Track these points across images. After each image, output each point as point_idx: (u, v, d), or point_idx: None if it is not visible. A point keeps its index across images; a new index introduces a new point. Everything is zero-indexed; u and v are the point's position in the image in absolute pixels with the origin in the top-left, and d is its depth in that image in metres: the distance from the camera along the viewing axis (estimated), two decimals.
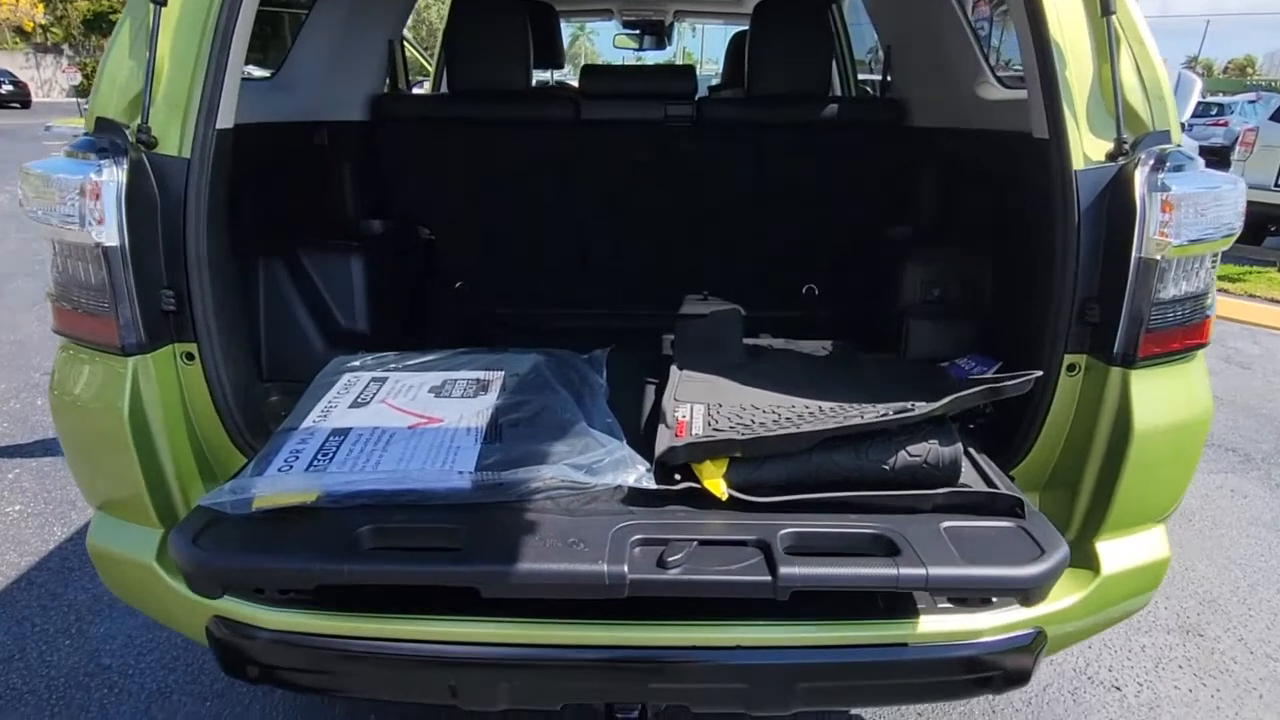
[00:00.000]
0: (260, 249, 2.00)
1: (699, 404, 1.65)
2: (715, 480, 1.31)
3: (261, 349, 2.00)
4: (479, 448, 1.43)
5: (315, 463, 1.37)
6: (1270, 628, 2.55)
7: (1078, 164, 1.47)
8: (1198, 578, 2.81)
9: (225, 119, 1.54)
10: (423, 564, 1.17)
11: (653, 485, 1.29)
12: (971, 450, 1.45)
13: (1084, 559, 1.53)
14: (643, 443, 1.50)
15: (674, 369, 1.88)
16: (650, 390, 1.84)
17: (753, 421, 1.51)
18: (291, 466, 1.35)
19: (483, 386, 1.74)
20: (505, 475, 1.31)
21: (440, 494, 1.30)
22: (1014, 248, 1.83)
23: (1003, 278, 1.96)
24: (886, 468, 1.32)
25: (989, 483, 1.36)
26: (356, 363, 1.89)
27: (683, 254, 2.83)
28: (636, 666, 1.34)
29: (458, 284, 2.83)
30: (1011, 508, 1.30)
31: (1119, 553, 1.52)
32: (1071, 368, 1.52)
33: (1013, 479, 1.63)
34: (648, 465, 1.34)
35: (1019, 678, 1.43)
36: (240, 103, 1.59)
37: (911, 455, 1.32)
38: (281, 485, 1.30)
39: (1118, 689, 2.26)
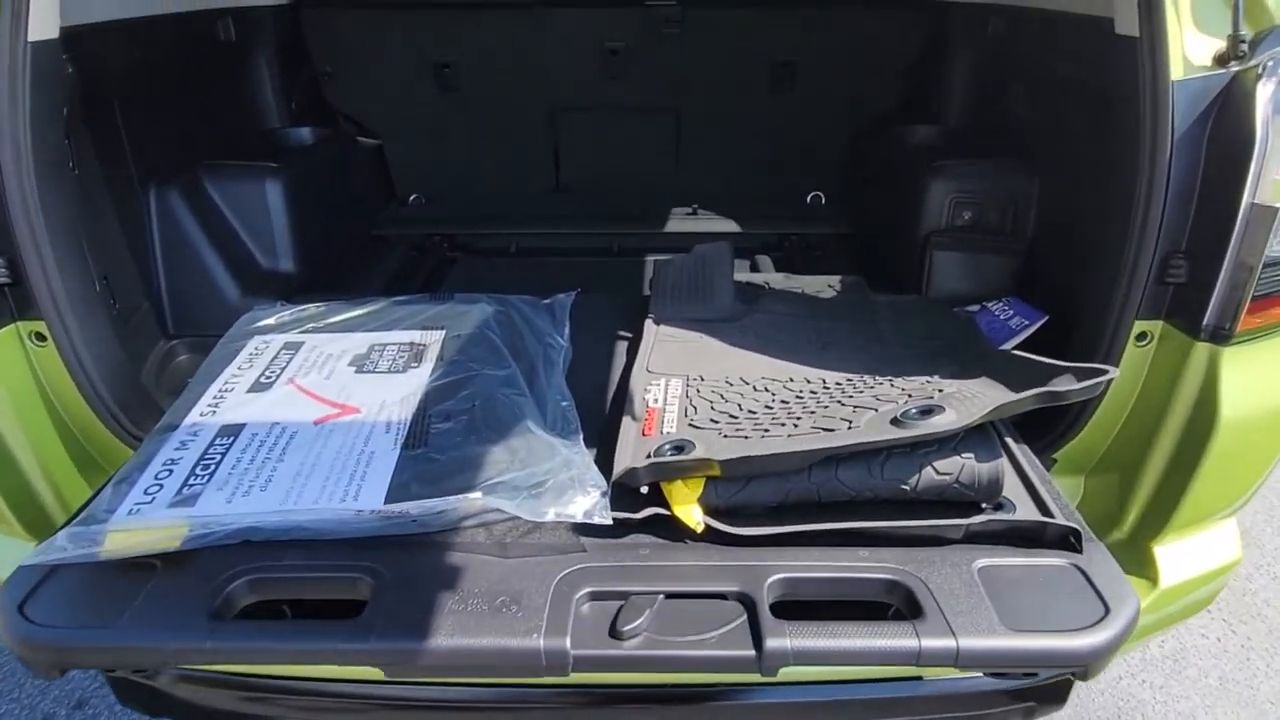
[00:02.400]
0: (149, 180, 1.64)
1: (675, 377, 1.35)
2: (688, 506, 1.03)
3: (163, 300, 1.68)
4: (396, 456, 1.14)
5: (189, 483, 1.10)
6: None
7: (1176, 72, 1.09)
8: None
9: (44, 25, 1.16)
10: (307, 639, 0.92)
11: (607, 520, 1.01)
12: (1014, 449, 1.15)
13: (1138, 564, 1.28)
14: (603, 435, 1.22)
15: (649, 323, 1.56)
16: (621, 350, 1.53)
17: (739, 409, 1.21)
18: (154, 496, 1.07)
19: (416, 355, 1.43)
20: (423, 507, 1.03)
21: (341, 532, 1.03)
22: (1075, 172, 1.47)
23: (1055, 207, 1.60)
24: (906, 488, 1.04)
25: (1038, 501, 1.08)
26: (270, 319, 1.58)
27: (668, 158, 2.44)
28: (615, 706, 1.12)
29: (411, 197, 2.47)
30: (1065, 538, 1.02)
31: (1182, 559, 1.27)
32: (1142, 336, 1.21)
33: (1054, 463, 1.36)
34: (604, 488, 1.06)
35: (1057, 698, 1.23)
36: None
37: (940, 473, 1.03)
38: (139, 523, 1.02)
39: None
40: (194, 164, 1.75)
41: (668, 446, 1.10)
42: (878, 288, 1.76)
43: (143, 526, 1.02)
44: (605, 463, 1.14)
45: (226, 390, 1.33)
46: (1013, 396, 1.02)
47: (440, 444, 1.17)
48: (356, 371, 1.38)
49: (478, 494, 1.06)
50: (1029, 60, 1.71)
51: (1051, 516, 1.04)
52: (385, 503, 1.06)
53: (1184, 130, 1.08)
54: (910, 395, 1.17)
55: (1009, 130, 1.82)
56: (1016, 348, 1.48)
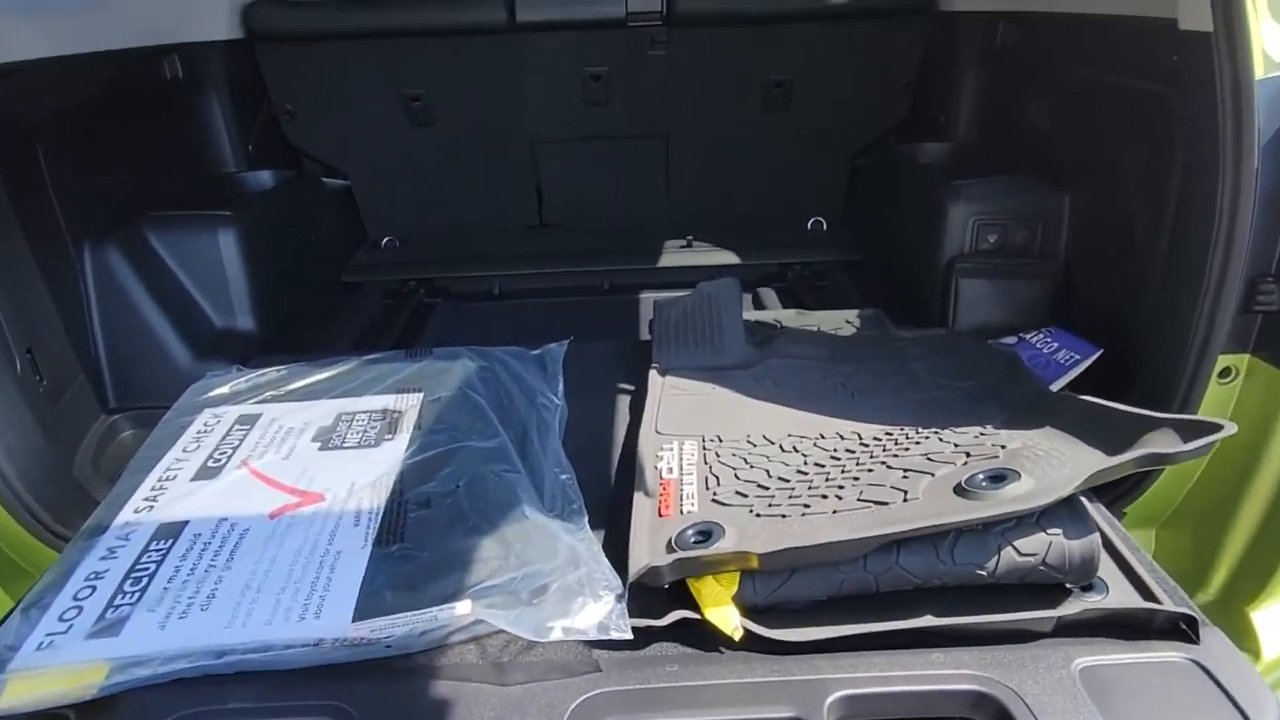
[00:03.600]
0: (83, 236, 1.46)
1: (689, 438, 1.18)
2: (722, 608, 0.85)
3: (102, 369, 1.49)
4: (367, 556, 0.96)
5: (115, 604, 0.90)
6: None
7: (1260, 70, 0.95)
8: None
9: None
10: None
11: (626, 634, 0.83)
12: (1104, 523, 0.98)
13: (1233, 633, 1.11)
14: (611, 512, 1.04)
15: (653, 374, 1.39)
16: (623, 406, 1.36)
17: (769, 477, 1.04)
18: (71, 623, 0.88)
19: (389, 425, 1.25)
20: (400, 628, 0.84)
21: (300, 661, 0.84)
22: (1120, 186, 1.32)
23: (1095, 224, 1.45)
24: (983, 573, 0.86)
25: (1135, 580, 0.91)
26: (224, 387, 1.39)
27: (658, 187, 2.28)
28: None
29: (384, 240, 2.29)
30: (1176, 625, 0.85)
31: None
32: (1226, 372, 1.05)
33: (1123, 515, 1.19)
34: (619, 589, 0.88)
35: None
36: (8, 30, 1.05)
37: (1022, 554, 0.86)
38: (49, 661, 0.83)
39: None
40: (137, 216, 1.57)
41: (692, 533, 0.92)
42: (898, 320, 1.60)
43: (53, 668, 0.82)
44: (617, 550, 0.96)
45: (168, 478, 1.13)
46: (1107, 461, 0.85)
47: (419, 537, 0.99)
48: (321, 448, 1.20)
49: (466, 604, 0.87)
50: (1052, 69, 1.57)
51: (1156, 600, 0.87)
52: (354, 620, 0.87)
53: (1271, 136, 0.94)
54: (968, 454, 1.00)
55: (1028, 144, 1.68)
56: (1067, 386, 1.32)
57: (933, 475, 0.95)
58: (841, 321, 1.60)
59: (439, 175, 2.22)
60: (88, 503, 1.18)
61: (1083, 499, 0.90)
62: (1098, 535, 0.87)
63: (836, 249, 2.18)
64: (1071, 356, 1.33)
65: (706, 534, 0.92)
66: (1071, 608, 0.85)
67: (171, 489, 1.11)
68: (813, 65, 2.07)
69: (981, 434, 1.08)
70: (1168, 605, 0.85)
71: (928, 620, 0.85)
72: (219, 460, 1.17)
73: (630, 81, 2.08)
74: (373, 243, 2.29)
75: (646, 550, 0.92)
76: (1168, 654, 0.83)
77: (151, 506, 1.07)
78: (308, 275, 1.94)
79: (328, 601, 0.89)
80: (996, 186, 1.62)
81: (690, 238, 2.21)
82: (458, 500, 1.04)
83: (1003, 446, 1.01)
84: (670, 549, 0.90)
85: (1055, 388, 1.30)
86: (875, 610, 0.88)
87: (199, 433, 1.24)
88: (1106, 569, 0.92)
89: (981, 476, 0.90)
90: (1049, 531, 0.86)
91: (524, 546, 0.95)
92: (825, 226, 2.29)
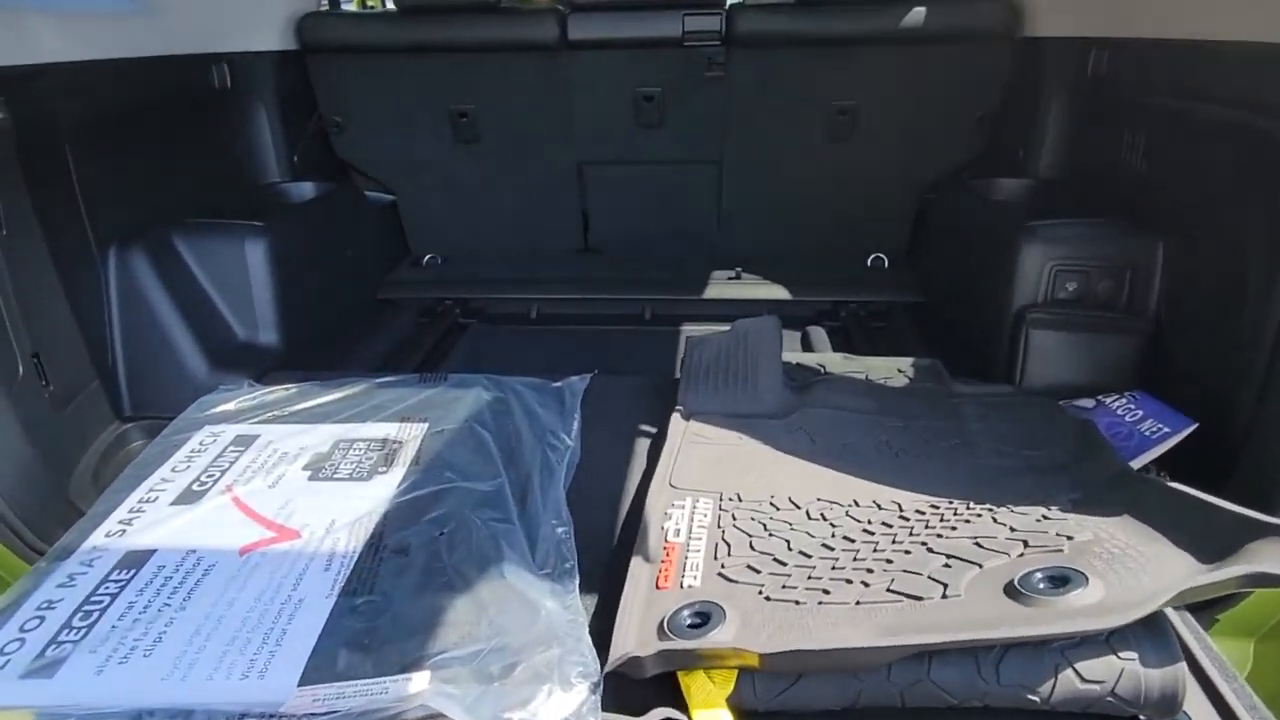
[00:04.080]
0: (110, 240, 1.44)
1: (706, 495, 1.05)
2: (714, 712, 0.72)
3: (118, 376, 1.46)
4: (330, 606, 0.87)
5: (59, 640, 0.83)
6: None
7: None
8: None
9: None
10: None
11: None
12: (1189, 636, 0.81)
13: None
14: (608, 576, 0.92)
15: (676, 419, 1.27)
16: (641, 451, 1.24)
17: (788, 550, 0.91)
18: (10, 659, 0.81)
19: (386, 457, 1.17)
20: (344, 700, 0.74)
21: None
22: (1234, 237, 1.14)
23: (1196, 278, 1.27)
24: (1035, 698, 0.71)
25: (1226, 713, 0.74)
26: (230, 404, 1.34)
27: (709, 216, 2.17)
28: None
29: (426, 258, 2.25)
30: None
31: None
32: None
33: (1215, 623, 1.01)
34: (595, 677, 0.76)
35: None
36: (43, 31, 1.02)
37: (1086, 680, 0.70)
38: None
39: None
40: (167, 222, 1.54)
41: (688, 615, 0.80)
42: (958, 371, 1.44)
43: None
44: (606, 621, 0.84)
45: (149, 500, 1.07)
46: (1201, 576, 0.69)
47: (390, 589, 0.89)
48: (311, 478, 1.12)
49: (424, 675, 0.77)
50: (1151, 100, 1.40)
51: None
52: (300, 683, 0.77)
53: None
54: (1026, 543, 0.85)
55: (1120, 184, 1.50)
56: (1151, 464, 1.14)
57: (980, 567, 0.81)
58: (893, 370, 1.45)
59: (485, 194, 2.16)
60: (76, 517, 1.13)
61: (1166, 614, 0.74)
62: (1184, 664, 0.70)
63: (897, 289, 2.02)
64: (1159, 429, 1.15)
65: (704, 616, 0.79)
66: None
67: (149, 512, 1.05)
68: (881, 92, 1.94)
69: (1045, 518, 0.93)
70: None
71: None
72: (204, 484, 1.10)
73: (684, 104, 1.99)
74: (414, 259, 2.24)
75: (635, 629, 0.80)
76: None
77: (124, 530, 1.01)
78: (341, 290, 1.89)
79: (277, 659, 0.80)
80: (1079, 229, 1.44)
81: (739, 269, 2.08)
82: (438, 550, 0.94)
83: (1069, 537, 0.85)
84: (661, 632, 0.78)
85: (1136, 464, 1.12)
86: None
87: (192, 452, 1.18)
88: (1193, 698, 0.75)
89: (1040, 576, 0.76)
90: (1121, 655, 0.70)
91: (499, 612, 0.84)
92: (887, 264, 2.13)
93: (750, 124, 2.02)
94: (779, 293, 2.00)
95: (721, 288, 2.03)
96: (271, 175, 1.93)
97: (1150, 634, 0.71)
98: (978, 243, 1.68)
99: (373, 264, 2.10)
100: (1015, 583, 0.75)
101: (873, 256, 2.14)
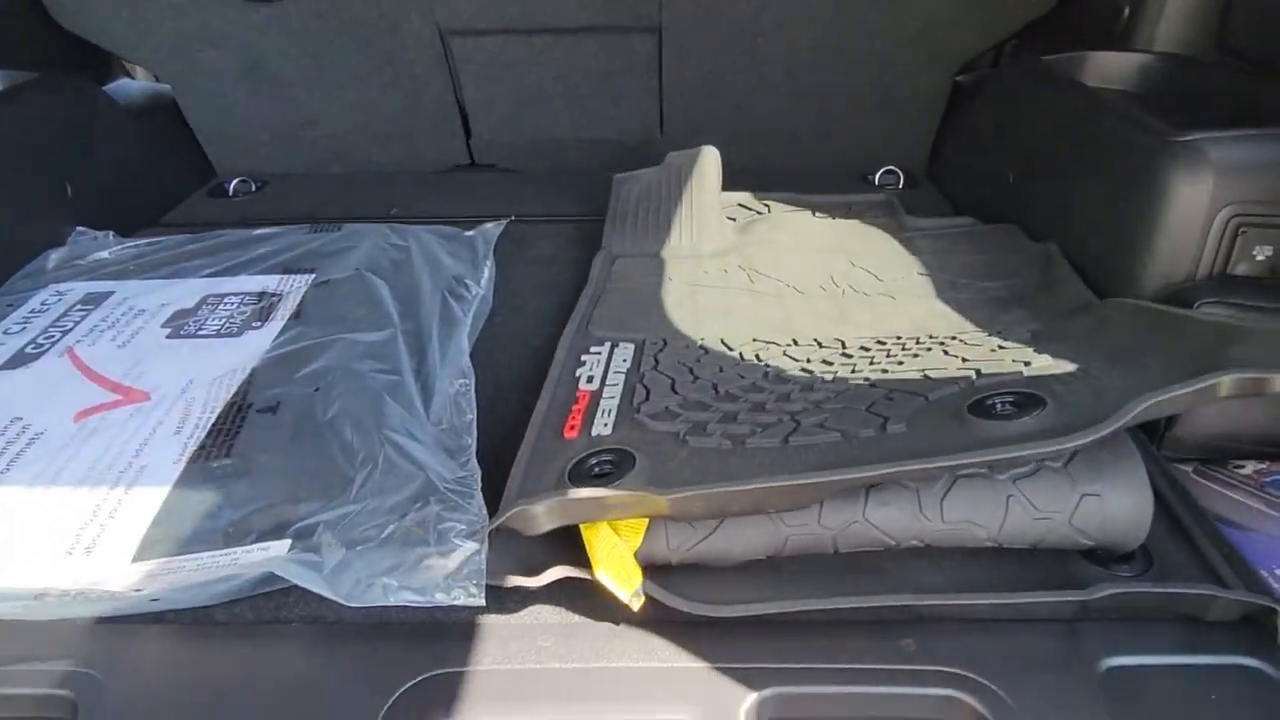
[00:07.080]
0: None
1: (627, 341, 0.93)
2: (620, 567, 0.62)
3: None
4: (178, 472, 0.74)
5: None
6: None
7: None
8: None
9: None
10: None
11: (478, 600, 0.60)
12: (1156, 472, 0.72)
13: None
14: (515, 437, 0.80)
15: (599, 260, 1.13)
16: (561, 299, 1.10)
17: (714, 393, 0.79)
18: None
19: (262, 311, 1.01)
20: (183, 571, 0.63)
21: (49, 613, 0.63)
22: None
23: None
24: (982, 533, 0.62)
25: (1196, 553, 0.66)
26: (102, 253, 1.16)
27: (646, 113, 1.51)
28: None
29: (233, 183, 1.54)
30: (1247, 620, 0.61)
31: None
32: None
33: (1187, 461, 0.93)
34: (476, 544, 0.64)
35: None
36: None
37: (1040, 512, 0.61)
38: None
39: None
40: None
41: (595, 463, 0.69)
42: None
43: None
44: (505, 482, 0.72)
45: None
46: (1172, 387, 0.58)
47: (251, 452, 0.76)
48: (170, 335, 0.97)
49: (283, 544, 0.65)
50: None
51: (1222, 581, 0.63)
52: (134, 559, 0.66)
53: None
54: (978, 371, 0.75)
55: None
56: None
57: (926, 398, 0.70)
58: (845, 207, 1.31)
59: (305, 81, 1.48)
60: None
61: (1131, 438, 0.64)
62: (1149, 491, 0.61)
63: (916, 218, 1.28)
64: None
65: (613, 464, 0.68)
66: (1102, 588, 0.61)
67: None
68: None
69: (1001, 347, 0.83)
70: (1237, 591, 0.61)
71: (899, 597, 0.62)
72: (41, 345, 0.94)
73: None
74: (214, 186, 1.56)
75: (531, 480, 0.69)
76: (1230, 657, 0.59)
77: None
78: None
79: (108, 532, 0.68)
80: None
81: None
82: (311, 406, 0.81)
83: (1026, 363, 0.75)
84: (561, 483, 0.67)
85: (1130, 303, 0.86)
86: (829, 583, 0.65)
87: (31, 312, 1.02)
88: (1156, 536, 0.67)
89: (992, 401, 0.65)
90: (1081, 482, 0.61)
91: (377, 470, 0.72)
92: (901, 183, 1.49)
93: None
94: None
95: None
96: None
97: (1114, 458, 0.61)
98: (1067, 165, 1.06)
99: (139, 196, 1.44)
100: (965, 408, 0.65)
101: (882, 171, 1.49)
